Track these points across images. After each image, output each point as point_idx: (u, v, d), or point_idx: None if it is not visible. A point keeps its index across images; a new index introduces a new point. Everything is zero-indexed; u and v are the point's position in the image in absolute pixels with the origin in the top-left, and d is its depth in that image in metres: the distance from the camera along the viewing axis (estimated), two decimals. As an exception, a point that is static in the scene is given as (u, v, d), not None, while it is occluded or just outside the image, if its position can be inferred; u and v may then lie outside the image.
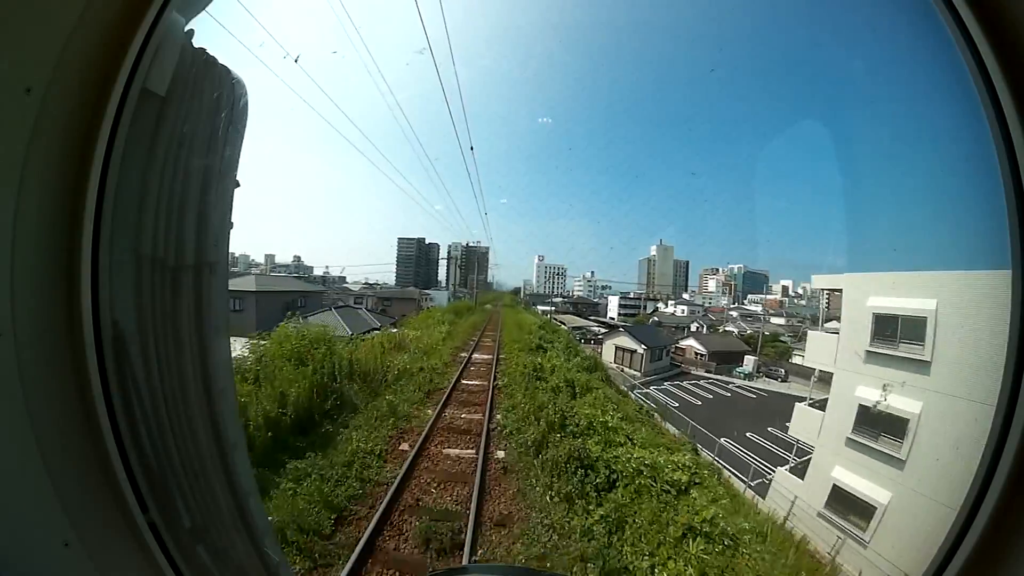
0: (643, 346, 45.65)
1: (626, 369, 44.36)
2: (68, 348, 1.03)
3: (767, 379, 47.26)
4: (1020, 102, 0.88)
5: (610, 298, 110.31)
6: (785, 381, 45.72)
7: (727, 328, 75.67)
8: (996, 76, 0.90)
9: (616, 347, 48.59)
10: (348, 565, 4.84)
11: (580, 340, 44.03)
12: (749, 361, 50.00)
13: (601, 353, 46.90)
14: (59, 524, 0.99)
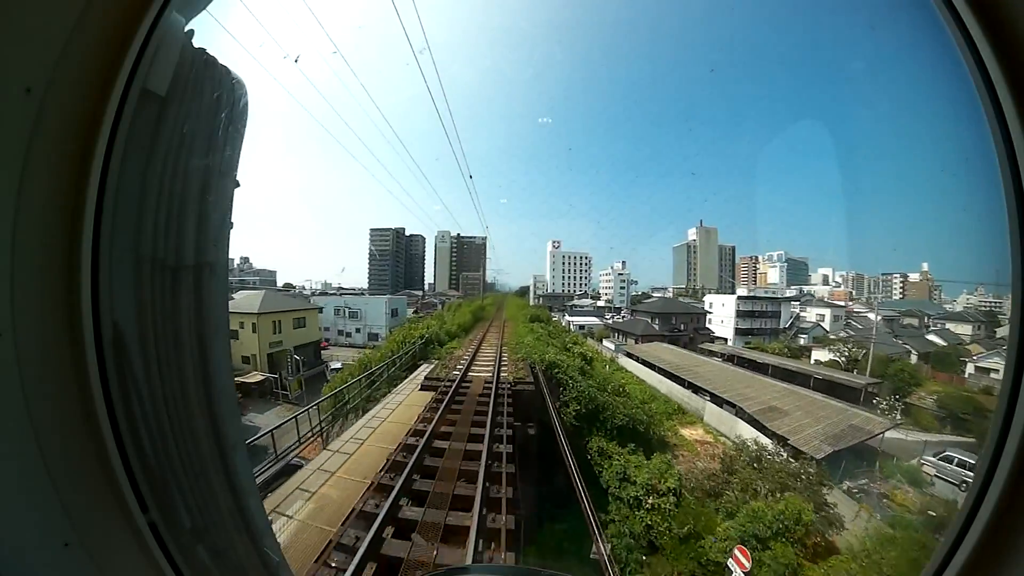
0: None
1: None
2: (68, 348, 1.03)
3: None
4: (1020, 102, 0.88)
5: (712, 299, 63.32)
6: None
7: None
8: (996, 76, 0.90)
9: None
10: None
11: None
12: None
13: None
14: (59, 524, 0.99)
